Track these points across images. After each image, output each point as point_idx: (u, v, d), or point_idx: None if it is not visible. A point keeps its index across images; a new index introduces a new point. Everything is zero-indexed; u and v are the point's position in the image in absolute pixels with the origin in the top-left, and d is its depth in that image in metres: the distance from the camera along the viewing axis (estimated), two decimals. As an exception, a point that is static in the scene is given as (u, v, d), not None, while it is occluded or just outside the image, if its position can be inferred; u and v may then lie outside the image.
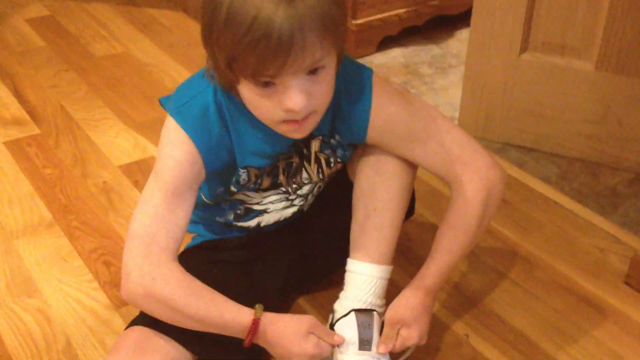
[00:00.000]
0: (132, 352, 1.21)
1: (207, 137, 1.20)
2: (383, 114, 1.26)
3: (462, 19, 2.62)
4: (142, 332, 1.24)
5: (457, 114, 2.12)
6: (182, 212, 1.20)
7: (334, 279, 1.43)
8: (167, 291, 1.17)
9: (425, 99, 2.25)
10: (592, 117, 1.90)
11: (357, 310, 1.29)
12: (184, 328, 1.22)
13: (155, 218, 1.18)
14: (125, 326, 1.43)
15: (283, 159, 1.29)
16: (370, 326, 1.28)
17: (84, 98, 2.24)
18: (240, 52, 1.03)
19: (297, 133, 1.15)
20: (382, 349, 1.27)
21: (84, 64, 2.44)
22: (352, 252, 1.34)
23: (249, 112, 1.17)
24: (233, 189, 1.30)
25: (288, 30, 1.00)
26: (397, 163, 1.31)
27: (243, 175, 1.27)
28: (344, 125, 1.28)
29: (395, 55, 2.53)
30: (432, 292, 1.29)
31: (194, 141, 1.19)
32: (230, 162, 1.25)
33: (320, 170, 1.34)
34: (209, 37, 1.07)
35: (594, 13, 1.78)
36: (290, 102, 1.08)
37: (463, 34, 2.64)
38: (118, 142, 2.03)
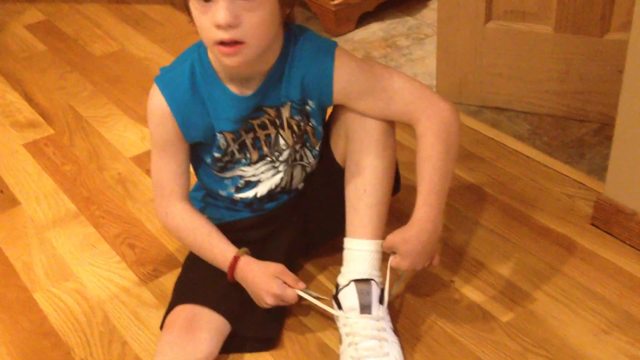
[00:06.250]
0: (184, 330, 1.42)
1: (180, 99, 1.42)
2: (345, 69, 1.41)
3: (433, -11, 2.77)
4: (188, 310, 1.45)
5: (434, 82, 2.29)
6: (175, 163, 1.48)
7: (333, 244, 1.60)
8: (175, 225, 1.52)
9: (404, 70, 2.42)
10: (556, 75, 2.07)
11: (356, 280, 1.45)
12: (225, 300, 1.47)
13: (158, 170, 1.51)
14: (154, 299, 1.63)
15: (259, 126, 1.45)
16: (369, 293, 1.44)
17: (90, 97, 2.41)
18: None
19: (228, 59, 1.30)
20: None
21: (86, 64, 2.60)
22: (348, 231, 1.50)
23: (219, 80, 1.40)
24: (217, 154, 1.47)
25: None
26: (380, 145, 1.46)
27: (221, 140, 1.45)
28: (312, 85, 1.42)
29: (374, 30, 2.70)
30: (426, 222, 1.39)
31: (167, 102, 1.42)
32: (208, 129, 1.45)
33: (294, 135, 1.49)
34: None
35: (549, -19, 1.94)
36: (216, 16, 1.24)
37: (436, 3, 2.75)
38: (126, 136, 2.20)
